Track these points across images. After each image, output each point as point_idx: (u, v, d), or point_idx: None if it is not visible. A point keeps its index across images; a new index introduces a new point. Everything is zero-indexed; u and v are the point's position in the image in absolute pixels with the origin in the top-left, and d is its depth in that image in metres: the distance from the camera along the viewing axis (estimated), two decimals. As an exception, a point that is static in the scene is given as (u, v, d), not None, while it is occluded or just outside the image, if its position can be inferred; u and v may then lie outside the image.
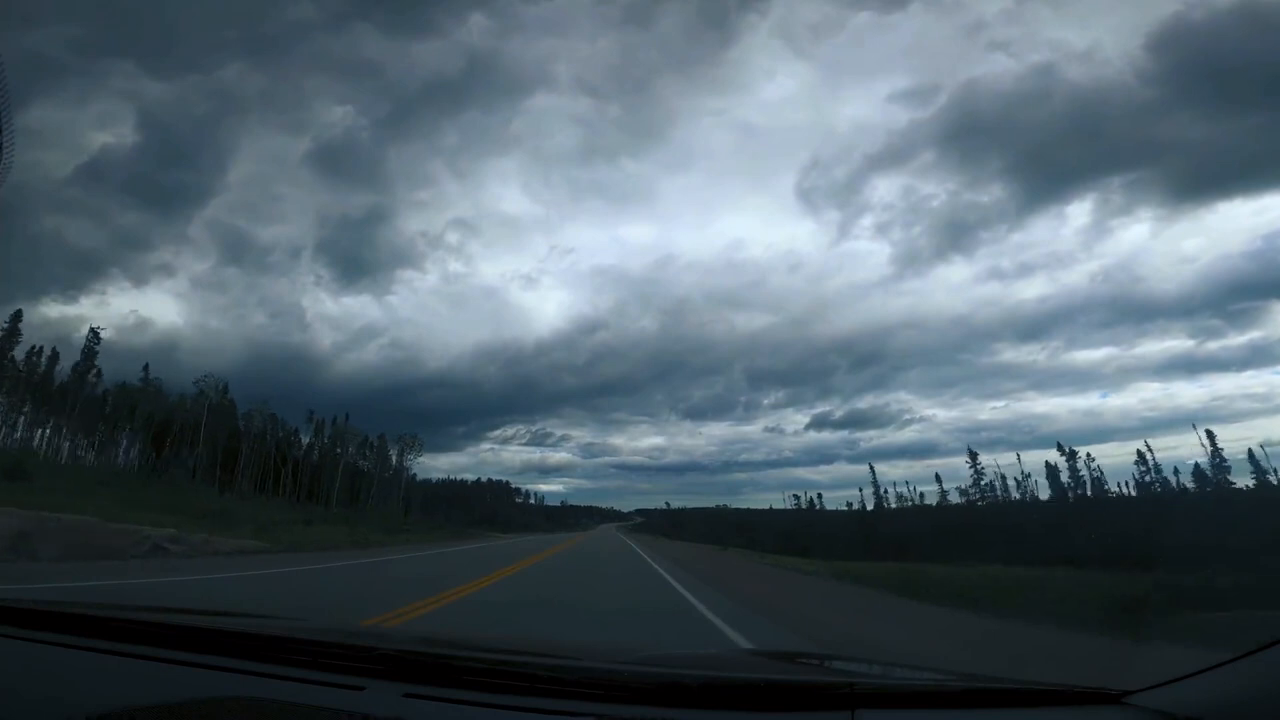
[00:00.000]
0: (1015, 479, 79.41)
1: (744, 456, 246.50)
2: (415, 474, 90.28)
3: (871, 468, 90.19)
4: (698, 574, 13.06)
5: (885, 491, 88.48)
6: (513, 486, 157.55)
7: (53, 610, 1.47)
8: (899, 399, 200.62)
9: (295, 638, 1.32)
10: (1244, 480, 63.34)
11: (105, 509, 17.82)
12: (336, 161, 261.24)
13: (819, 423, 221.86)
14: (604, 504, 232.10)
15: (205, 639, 1.32)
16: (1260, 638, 0.92)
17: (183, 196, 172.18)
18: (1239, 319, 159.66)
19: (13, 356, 50.91)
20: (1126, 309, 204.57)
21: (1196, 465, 66.68)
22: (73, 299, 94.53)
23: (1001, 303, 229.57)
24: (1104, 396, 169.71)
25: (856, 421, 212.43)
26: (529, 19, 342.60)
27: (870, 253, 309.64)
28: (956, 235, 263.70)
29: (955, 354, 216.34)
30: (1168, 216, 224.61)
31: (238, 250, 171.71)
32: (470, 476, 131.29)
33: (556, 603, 7.83)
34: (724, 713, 1.04)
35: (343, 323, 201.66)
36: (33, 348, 53.15)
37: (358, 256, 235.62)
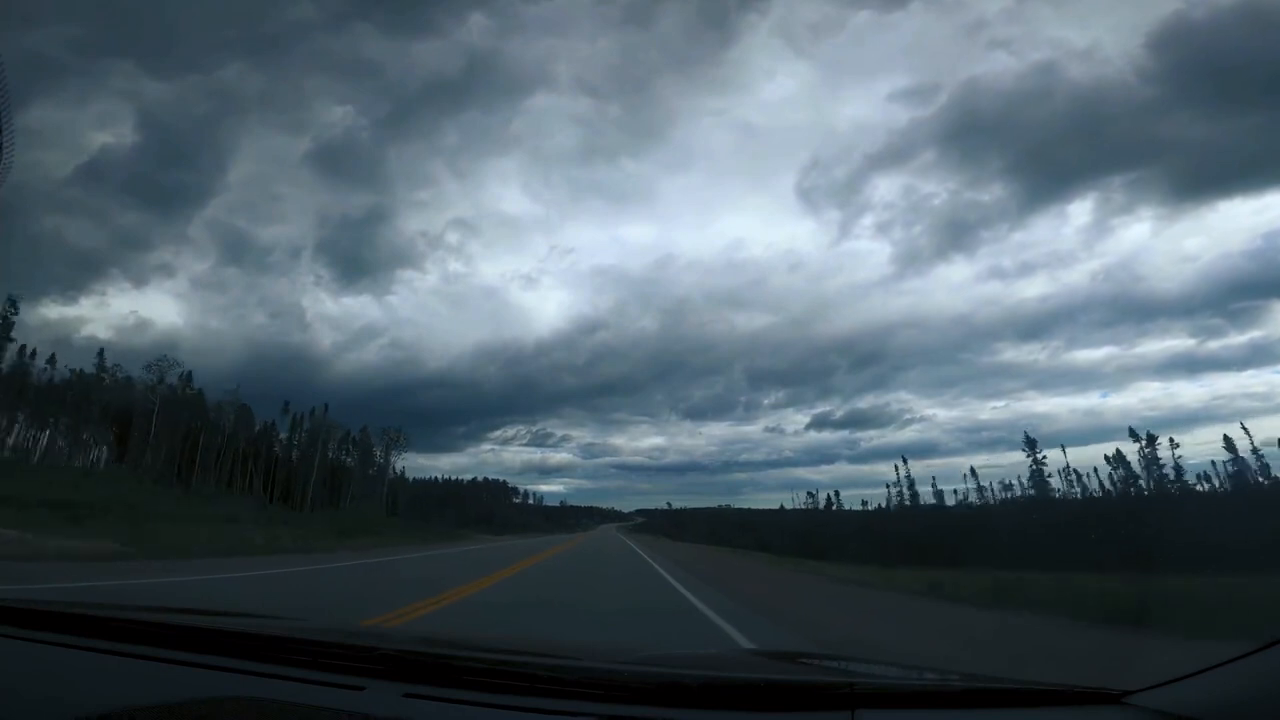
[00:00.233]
0: (1076, 472, 67.75)
1: (744, 456, 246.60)
2: (403, 471, 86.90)
3: (904, 460, 77.06)
4: (726, 589, 10.52)
5: (909, 490, 77.16)
6: (510, 486, 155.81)
7: (53, 610, 1.48)
8: (899, 399, 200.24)
9: (295, 638, 1.32)
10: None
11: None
12: (336, 161, 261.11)
13: (819, 423, 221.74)
14: (604, 504, 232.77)
15: (205, 639, 1.32)
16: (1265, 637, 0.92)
17: (182, 196, 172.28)
18: (1240, 318, 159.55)
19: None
20: (1127, 308, 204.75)
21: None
22: (73, 300, 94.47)
23: (1002, 302, 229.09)
24: (1104, 396, 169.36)
25: (857, 421, 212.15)
26: (529, 19, 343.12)
27: (871, 252, 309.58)
28: (957, 234, 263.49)
29: (956, 353, 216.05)
30: (1169, 215, 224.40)
31: (237, 250, 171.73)
32: (466, 476, 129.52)
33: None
34: (724, 713, 1.04)
35: (343, 323, 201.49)
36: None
37: (358, 256, 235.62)
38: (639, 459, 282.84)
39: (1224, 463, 61.48)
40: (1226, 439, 61.59)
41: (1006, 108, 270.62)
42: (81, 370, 54.98)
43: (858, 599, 9.95)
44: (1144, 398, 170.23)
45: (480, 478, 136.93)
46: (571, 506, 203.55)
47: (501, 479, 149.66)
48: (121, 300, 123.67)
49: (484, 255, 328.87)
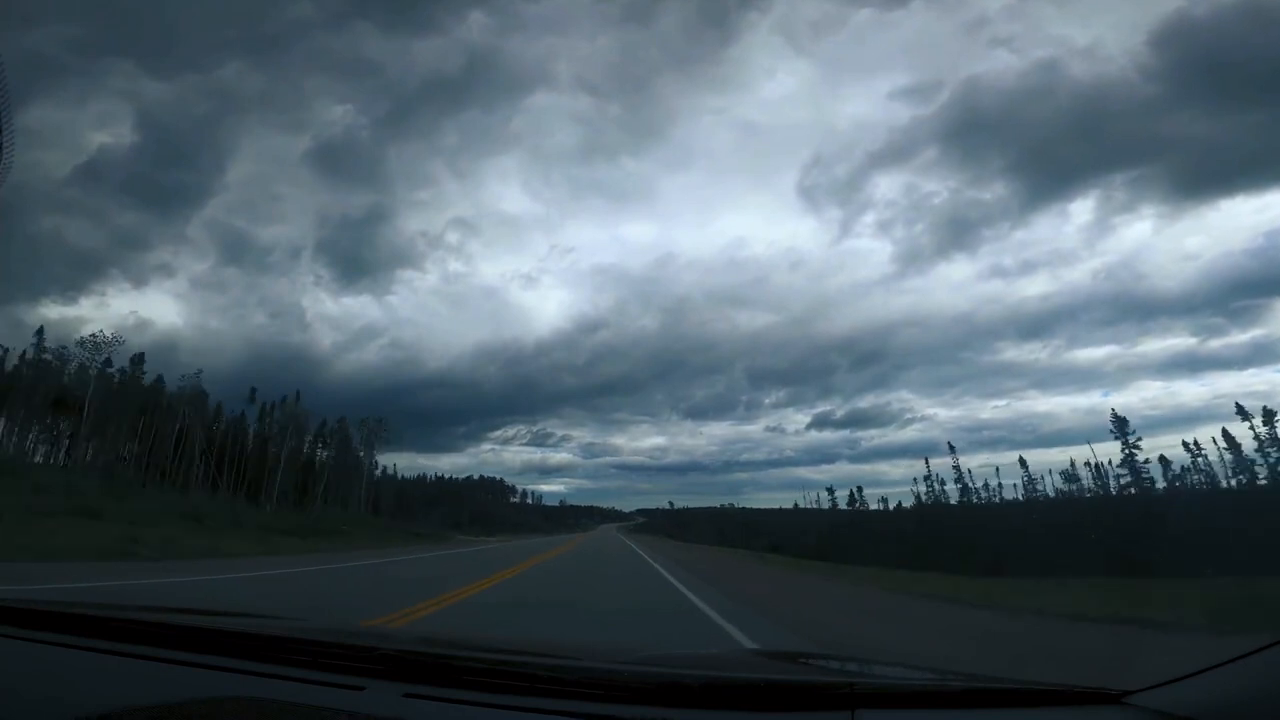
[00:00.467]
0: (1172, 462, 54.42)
1: (745, 456, 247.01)
2: (392, 468, 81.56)
3: (951, 447, 65.50)
4: (787, 618, 7.62)
5: (940, 485, 66.11)
6: (507, 485, 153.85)
7: (53, 610, 1.48)
8: (900, 398, 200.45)
9: (295, 638, 1.32)
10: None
11: None
12: (336, 161, 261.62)
13: (820, 422, 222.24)
14: (604, 504, 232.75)
15: (205, 639, 1.32)
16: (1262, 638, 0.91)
17: (182, 197, 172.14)
18: (1241, 316, 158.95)
19: None
20: (1129, 307, 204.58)
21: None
22: (72, 300, 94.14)
23: (1004, 300, 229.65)
24: (1105, 395, 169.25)
25: (858, 421, 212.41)
26: (529, 17, 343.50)
27: (872, 251, 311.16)
28: (959, 233, 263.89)
29: (957, 352, 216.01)
30: (1170, 214, 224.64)
31: (237, 250, 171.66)
32: (462, 476, 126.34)
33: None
34: (724, 713, 1.04)
35: (343, 323, 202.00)
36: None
37: (357, 256, 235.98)
38: (639, 459, 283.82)
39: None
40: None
41: (1008, 106, 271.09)
42: (24, 353, 49.17)
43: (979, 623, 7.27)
44: (1145, 397, 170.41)
45: (476, 476, 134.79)
46: (571, 506, 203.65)
47: (499, 477, 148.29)
48: (121, 300, 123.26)
49: (484, 255, 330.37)
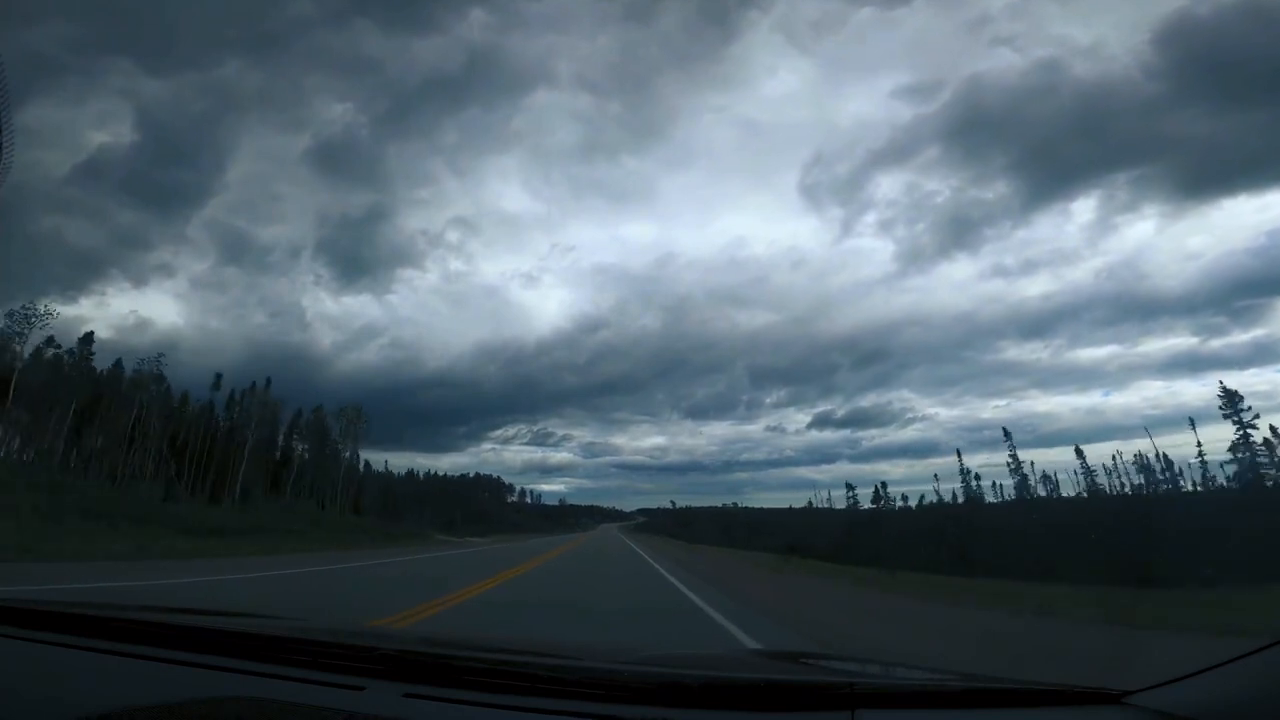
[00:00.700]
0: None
1: (745, 456, 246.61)
2: (373, 464, 76.28)
3: (1006, 433, 56.00)
4: None
5: (976, 481, 56.75)
6: (505, 483, 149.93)
7: (53, 610, 1.48)
8: (901, 397, 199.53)
9: (295, 638, 1.32)
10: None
11: None
12: (336, 160, 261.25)
13: (821, 421, 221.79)
14: (605, 504, 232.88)
15: (205, 639, 1.32)
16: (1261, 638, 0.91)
17: (181, 196, 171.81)
18: (1243, 316, 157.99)
19: None
20: (1130, 306, 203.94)
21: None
22: (72, 299, 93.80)
23: (1005, 300, 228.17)
24: (1106, 395, 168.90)
25: (858, 420, 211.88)
26: (529, 15, 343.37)
27: (873, 250, 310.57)
28: (960, 232, 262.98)
29: (958, 352, 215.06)
30: (1173, 213, 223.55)
31: (237, 250, 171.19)
32: (456, 474, 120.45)
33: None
34: (725, 713, 1.04)
35: (343, 322, 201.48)
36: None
37: (357, 255, 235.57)
38: (640, 458, 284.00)
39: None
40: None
41: (1010, 104, 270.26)
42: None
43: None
44: (1146, 396, 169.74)
45: (471, 473, 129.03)
46: (571, 505, 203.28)
47: (496, 475, 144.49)
48: (121, 300, 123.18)
49: (484, 254, 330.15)
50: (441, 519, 74.38)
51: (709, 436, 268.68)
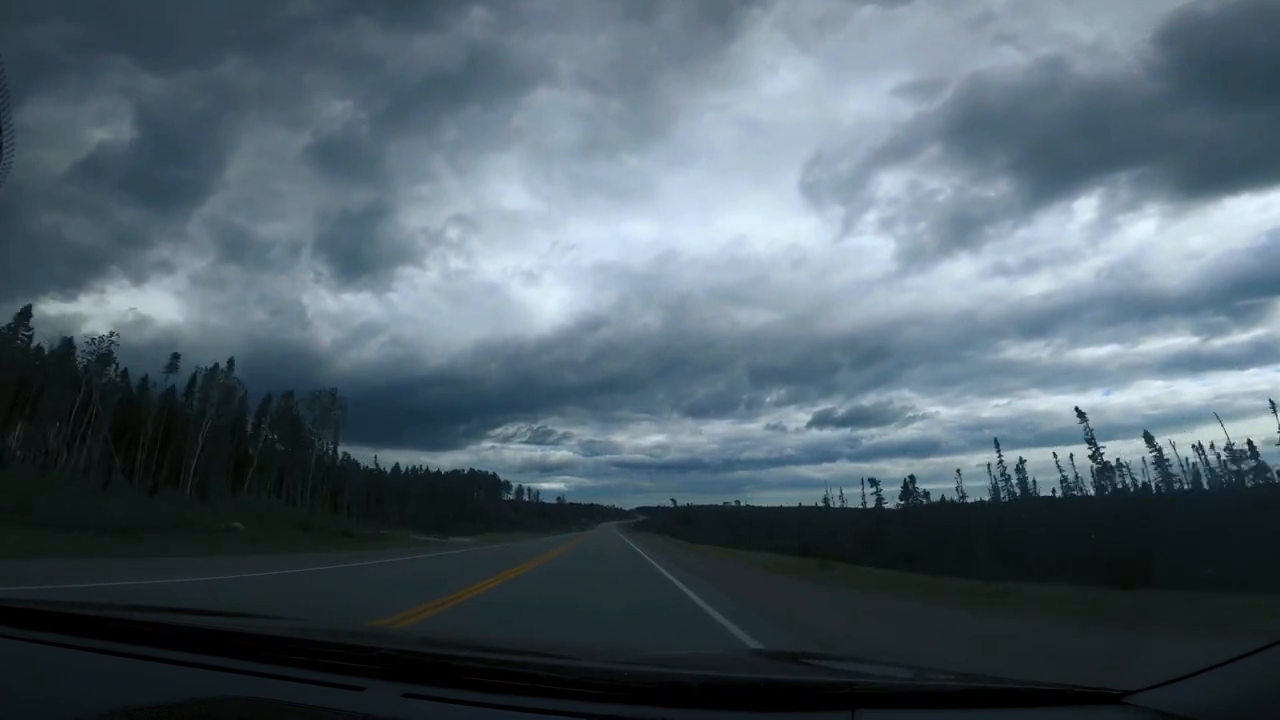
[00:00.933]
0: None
1: (746, 454, 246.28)
2: (352, 458, 69.38)
3: (1080, 414, 43.03)
4: None
5: (1017, 477, 47.24)
6: (502, 480, 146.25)
7: (53, 610, 1.48)
8: (901, 396, 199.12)
9: (295, 638, 1.32)
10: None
11: None
12: (336, 157, 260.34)
13: (821, 420, 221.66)
14: (605, 502, 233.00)
15: (205, 639, 1.32)
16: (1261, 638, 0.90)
17: (181, 193, 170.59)
18: (1244, 316, 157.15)
19: None
20: (1131, 306, 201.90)
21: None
22: (72, 297, 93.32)
23: (1006, 299, 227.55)
24: (1106, 394, 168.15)
25: (858, 419, 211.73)
26: (530, 13, 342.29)
27: (874, 248, 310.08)
28: (962, 231, 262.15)
29: (959, 351, 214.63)
30: (1174, 212, 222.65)
31: (237, 247, 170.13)
32: (448, 471, 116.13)
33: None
34: (724, 713, 1.04)
35: (343, 320, 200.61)
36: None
37: (358, 253, 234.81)
38: (640, 457, 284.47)
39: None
40: None
41: (1013, 103, 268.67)
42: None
43: None
44: (1146, 396, 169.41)
45: (465, 469, 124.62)
46: (570, 504, 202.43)
47: (492, 472, 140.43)
48: (121, 298, 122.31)
49: (485, 251, 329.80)
50: (431, 518, 69.79)
51: (709, 435, 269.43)
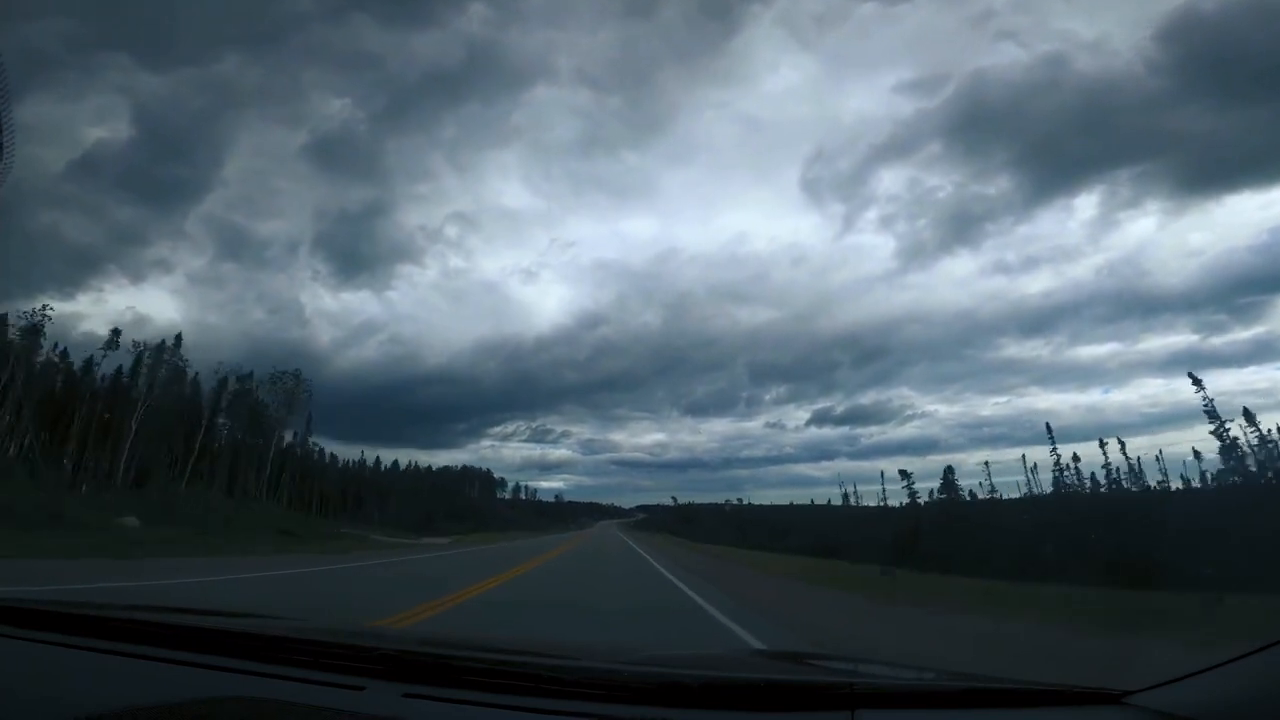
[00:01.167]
0: None
1: (745, 453, 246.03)
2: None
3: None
4: None
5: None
6: (496, 478, 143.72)
7: (53, 610, 1.48)
8: (901, 394, 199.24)
9: (295, 638, 1.32)
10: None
11: None
12: (334, 155, 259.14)
13: (820, 418, 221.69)
14: (604, 500, 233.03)
15: (205, 639, 1.32)
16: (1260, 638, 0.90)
17: (179, 191, 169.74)
18: (1244, 314, 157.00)
19: None
20: (1131, 303, 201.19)
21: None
22: (70, 296, 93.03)
23: (1006, 297, 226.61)
24: (1106, 392, 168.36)
25: (858, 417, 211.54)
26: (529, 9, 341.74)
27: (875, 246, 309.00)
28: (962, 228, 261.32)
29: (959, 349, 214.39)
30: (1175, 210, 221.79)
31: (235, 245, 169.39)
32: (439, 466, 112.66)
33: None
34: (724, 713, 1.04)
35: (342, 319, 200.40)
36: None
37: (356, 251, 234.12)
38: (640, 455, 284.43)
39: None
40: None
41: (1013, 99, 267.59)
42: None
43: None
44: (1145, 394, 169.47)
45: (458, 466, 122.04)
46: (569, 502, 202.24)
47: (486, 469, 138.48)
48: (119, 296, 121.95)
49: (484, 249, 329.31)
50: (417, 516, 66.28)
51: (709, 433, 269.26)
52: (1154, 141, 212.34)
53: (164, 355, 46.23)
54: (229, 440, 51.30)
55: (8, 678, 1.18)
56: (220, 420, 51.32)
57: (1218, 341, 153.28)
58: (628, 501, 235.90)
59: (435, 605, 7.65)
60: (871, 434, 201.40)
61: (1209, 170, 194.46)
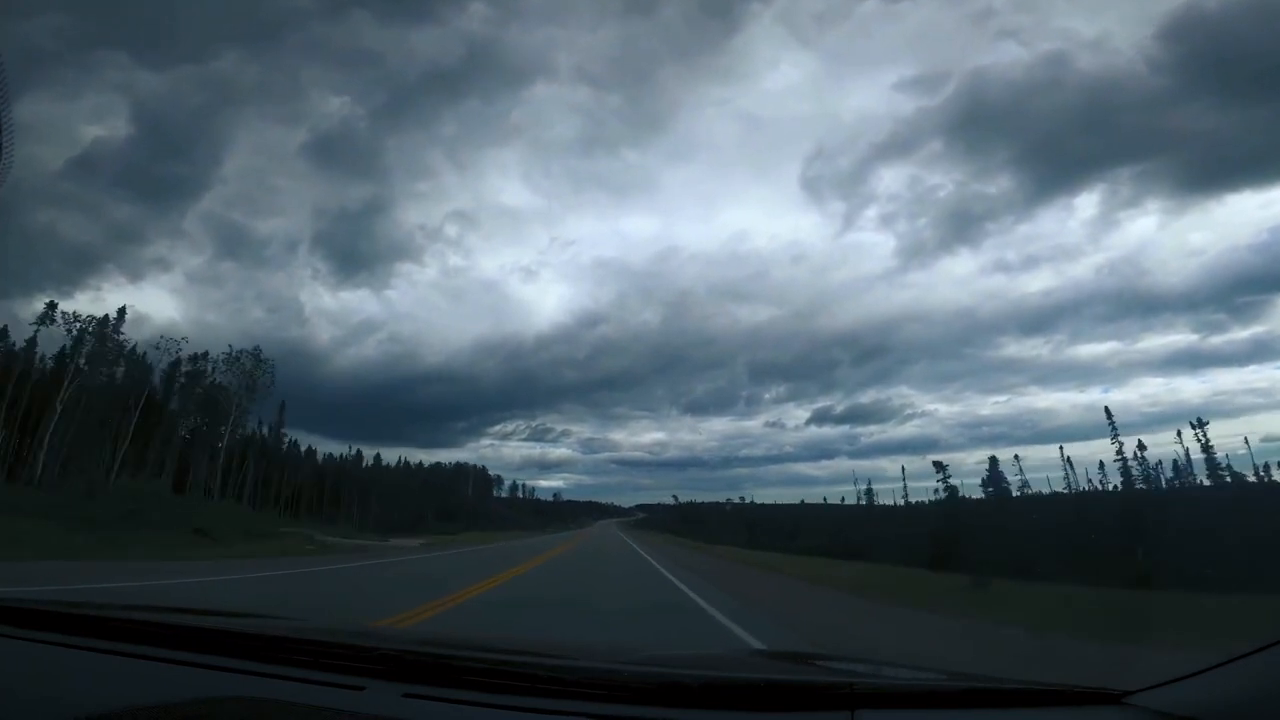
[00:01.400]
0: None
1: (744, 452, 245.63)
2: (300, 443, 59.76)
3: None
4: None
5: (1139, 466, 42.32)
6: (493, 476, 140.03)
7: (53, 610, 1.48)
8: (900, 393, 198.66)
9: (295, 638, 1.32)
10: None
11: None
12: (333, 153, 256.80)
13: (820, 417, 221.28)
14: (604, 499, 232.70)
15: (205, 639, 1.32)
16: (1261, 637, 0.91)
17: (177, 190, 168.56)
18: (1243, 313, 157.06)
19: None
20: (1131, 302, 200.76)
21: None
22: (68, 294, 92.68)
23: (1006, 295, 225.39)
24: (1106, 391, 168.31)
25: (858, 416, 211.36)
26: (529, 7, 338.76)
27: (875, 244, 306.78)
28: (962, 227, 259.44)
29: (959, 348, 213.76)
30: (1175, 209, 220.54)
31: (233, 244, 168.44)
32: (433, 463, 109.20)
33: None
34: (724, 713, 1.04)
35: (341, 317, 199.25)
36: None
37: (355, 250, 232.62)
38: (639, 454, 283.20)
39: None
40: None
41: (1014, 98, 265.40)
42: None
43: None
44: (1145, 393, 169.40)
45: (452, 464, 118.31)
46: (568, 501, 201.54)
47: (482, 466, 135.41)
48: (117, 295, 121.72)
49: (483, 248, 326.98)
50: (404, 515, 62.94)
51: (708, 432, 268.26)
52: (1155, 140, 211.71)
53: (106, 331, 41.52)
54: (175, 425, 46.30)
55: (8, 678, 1.18)
56: (172, 405, 46.31)
57: (1217, 341, 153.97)
58: (627, 500, 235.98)
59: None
60: (871, 433, 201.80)
61: (1210, 169, 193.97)
